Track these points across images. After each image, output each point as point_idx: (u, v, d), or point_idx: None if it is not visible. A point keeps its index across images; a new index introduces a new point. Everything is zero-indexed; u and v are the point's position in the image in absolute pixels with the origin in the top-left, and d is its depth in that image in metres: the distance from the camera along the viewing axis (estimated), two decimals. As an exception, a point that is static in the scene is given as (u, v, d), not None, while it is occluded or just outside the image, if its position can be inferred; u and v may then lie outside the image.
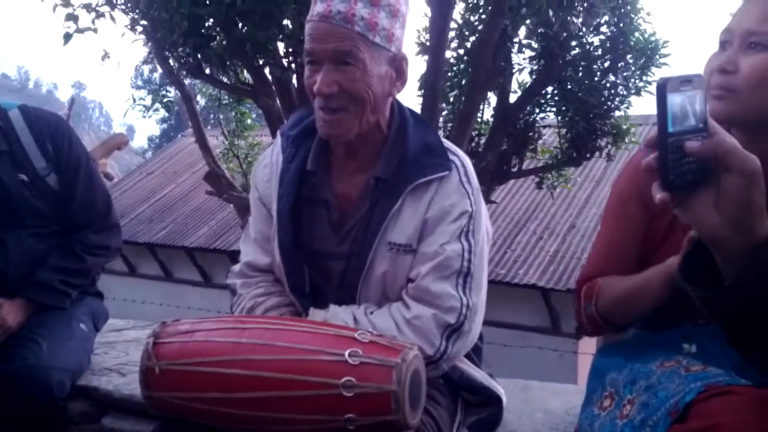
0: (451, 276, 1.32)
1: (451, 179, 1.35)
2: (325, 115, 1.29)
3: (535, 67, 6.50)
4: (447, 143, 1.42)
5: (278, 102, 5.85)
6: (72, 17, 5.71)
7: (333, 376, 1.11)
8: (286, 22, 5.18)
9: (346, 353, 1.13)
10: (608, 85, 6.47)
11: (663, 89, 0.82)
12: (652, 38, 6.36)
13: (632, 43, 6.30)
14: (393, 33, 1.29)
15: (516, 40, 6.27)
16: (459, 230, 1.33)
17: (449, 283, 1.32)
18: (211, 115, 11.05)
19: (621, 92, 6.49)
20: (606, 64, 6.41)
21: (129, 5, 5.82)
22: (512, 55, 6.38)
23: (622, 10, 6.24)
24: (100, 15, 5.83)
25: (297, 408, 1.13)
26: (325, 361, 1.13)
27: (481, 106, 6.38)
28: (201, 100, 8.72)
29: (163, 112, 8.77)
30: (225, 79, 6.37)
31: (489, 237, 1.44)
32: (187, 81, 7.35)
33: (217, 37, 5.47)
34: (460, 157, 1.40)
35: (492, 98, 6.68)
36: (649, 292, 1.25)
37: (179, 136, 16.97)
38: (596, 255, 1.43)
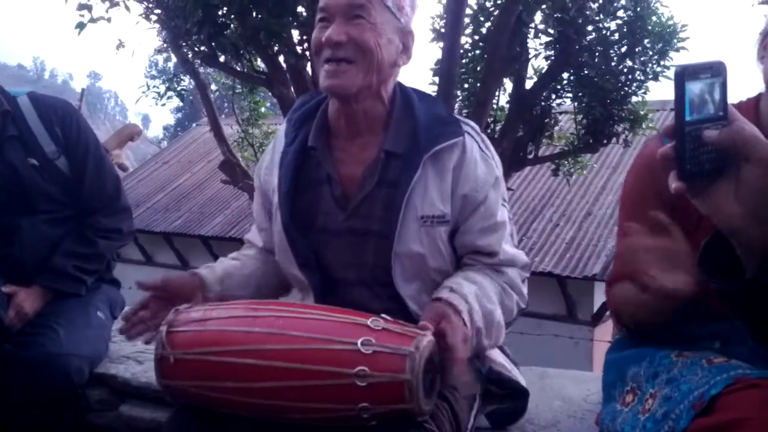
0: (510, 237, 1.43)
1: (473, 149, 1.37)
2: (330, 66, 1.29)
3: (551, 53, 6.45)
4: (456, 115, 1.45)
5: (292, 90, 5.84)
6: (85, 6, 5.73)
7: (346, 365, 1.10)
8: (300, 9, 5.17)
9: (359, 342, 1.12)
10: (625, 70, 6.40)
11: (681, 77, 0.80)
12: (670, 22, 6.28)
13: (650, 28, 6.21)
14: (403, 6, 1.33)
15: (532, 25, 6.22)
16: (500, 196, 1.40)
17: (512, 243, 1.44)
18: (225, 104, 11.05)
19: (638, 77, 6.42)
20: (623, 49, 6.33)
21: (143, -6, 5.83)
22: (528, 40, 6.33)
23: (640, -6, 6.17)
24: (114, 4, 5.85)
25: (311, 397, 1.12)
26: (338, 350, 1.12)
27: (497, 93, 6.34)
28: (213, 87, 8.74)
29: (177, 101, 8.82)
30: (239, 68, 6.37)
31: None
32: (201, 70, 7.37)
33: (232, 26, 5.48)
34: (471, 125, 1.42)
35: (508, 84, 6.66)
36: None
37: (194, 125, 17.04)
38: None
